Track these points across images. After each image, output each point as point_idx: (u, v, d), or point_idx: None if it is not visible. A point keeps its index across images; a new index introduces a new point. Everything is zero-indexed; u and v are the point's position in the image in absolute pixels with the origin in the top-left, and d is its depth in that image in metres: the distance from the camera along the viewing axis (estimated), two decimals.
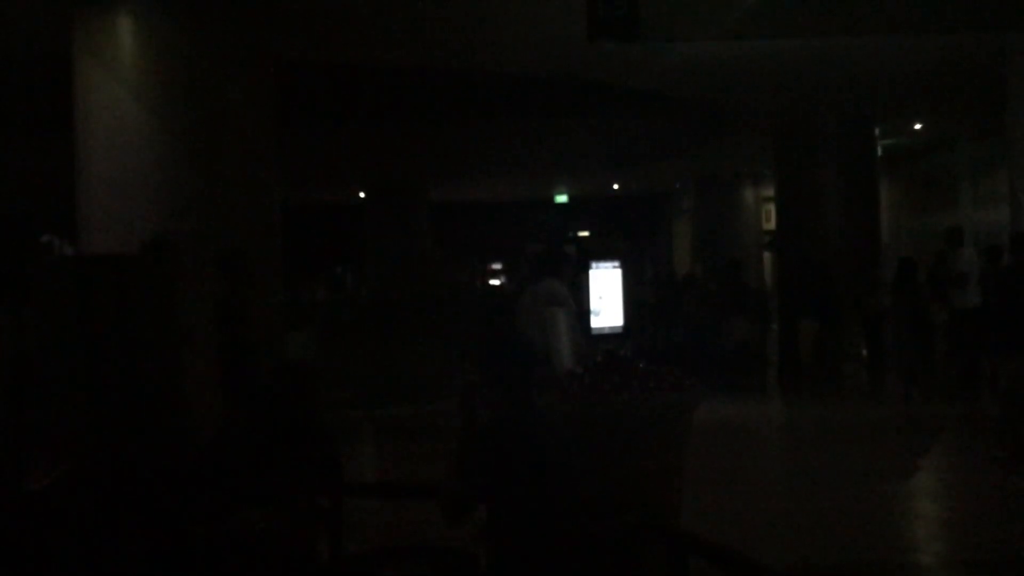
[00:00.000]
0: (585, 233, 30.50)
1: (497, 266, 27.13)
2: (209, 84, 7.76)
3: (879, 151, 15.35)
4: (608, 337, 13.81)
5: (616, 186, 25.04)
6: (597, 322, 14.86)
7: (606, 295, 14.57)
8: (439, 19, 9.24)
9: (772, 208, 18.62)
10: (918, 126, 15.98)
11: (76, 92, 7.90)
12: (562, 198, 26.35)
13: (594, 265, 16.09)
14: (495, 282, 26.20)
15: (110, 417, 4.85)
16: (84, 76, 7.84)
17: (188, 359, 5.83)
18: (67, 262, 7.17)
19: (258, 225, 8.00)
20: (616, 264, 15.63)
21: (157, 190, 7.58)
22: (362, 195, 21.56)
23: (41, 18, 8.14)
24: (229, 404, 6.37)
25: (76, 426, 4.89)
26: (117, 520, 3.86)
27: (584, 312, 14.72)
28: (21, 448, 5.46)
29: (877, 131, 14.76)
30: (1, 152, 14.99)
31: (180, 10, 7.73)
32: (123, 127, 7.66)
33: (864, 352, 12.66)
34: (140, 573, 3.83)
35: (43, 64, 9.26)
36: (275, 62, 8.47)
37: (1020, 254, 7.61)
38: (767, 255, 21.86)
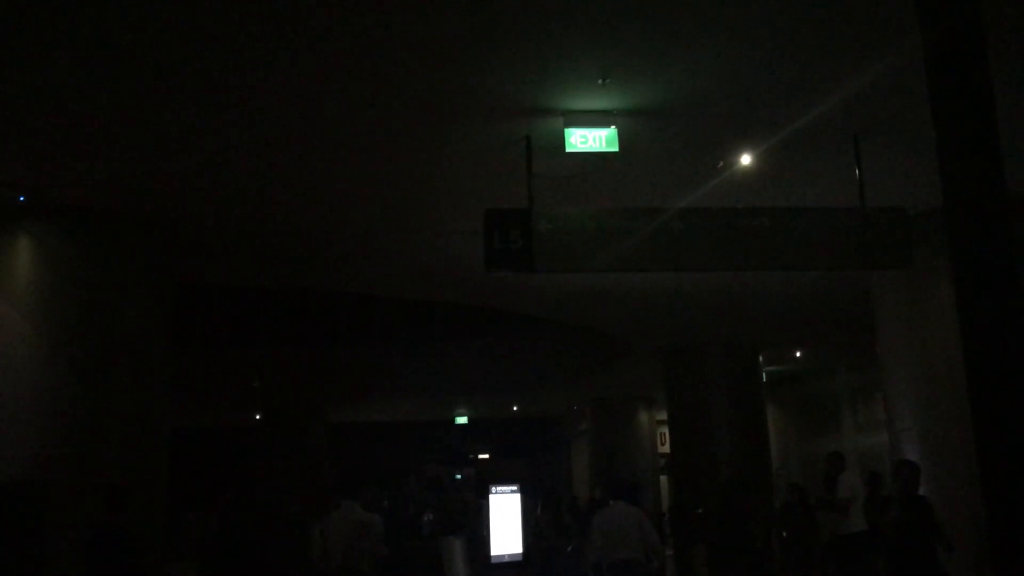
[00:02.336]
0: (485, 456, 30.27)
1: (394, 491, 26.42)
2: (104, 306, 7.71)
3: (764, 377, 15.97)
4: (507, 566, 13.43)
5: (515, 408, 25.21)
6: (496, 549, 14.50)
7: (505, 520, 14.30)
8: (340, 249, 9.51)
9: (667, 431, 18.93)
10: (799, 354, 16.79)
11: None
12: (462, 419, 26.30)
13: (493, 489, 15.89)
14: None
15: None
16: None
17: None
18: None
19: (144, 448, 7.75)
20: (515, 488, 15.44)
21: (40, 414, 7.32)
22: (258, 417, 21.13)
23: None
24: None
25: None
26: None
27: (483, 539, 14.38)
28: None
29: (761, 358, 15.43)
30: None
31: (79, 233, 7.78)
32: (10, 347, 7.48)
33: None
34: None
35: None
36: (172, 284, 8.51)
37: (903, 482, 7.70)
38: (663, 478, 21.99)
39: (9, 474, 6.92)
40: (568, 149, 6.36)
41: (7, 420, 7.28)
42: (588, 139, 6.34)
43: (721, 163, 7.30)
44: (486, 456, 30.29)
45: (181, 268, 8.82)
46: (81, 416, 7.39)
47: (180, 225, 8.27)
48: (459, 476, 27.57)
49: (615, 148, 6.39)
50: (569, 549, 11.49)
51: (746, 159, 7.21)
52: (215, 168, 7.25)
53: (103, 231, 7.84)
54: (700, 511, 13.39)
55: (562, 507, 12.35)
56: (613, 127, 6.35)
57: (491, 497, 15.50)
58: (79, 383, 7.46)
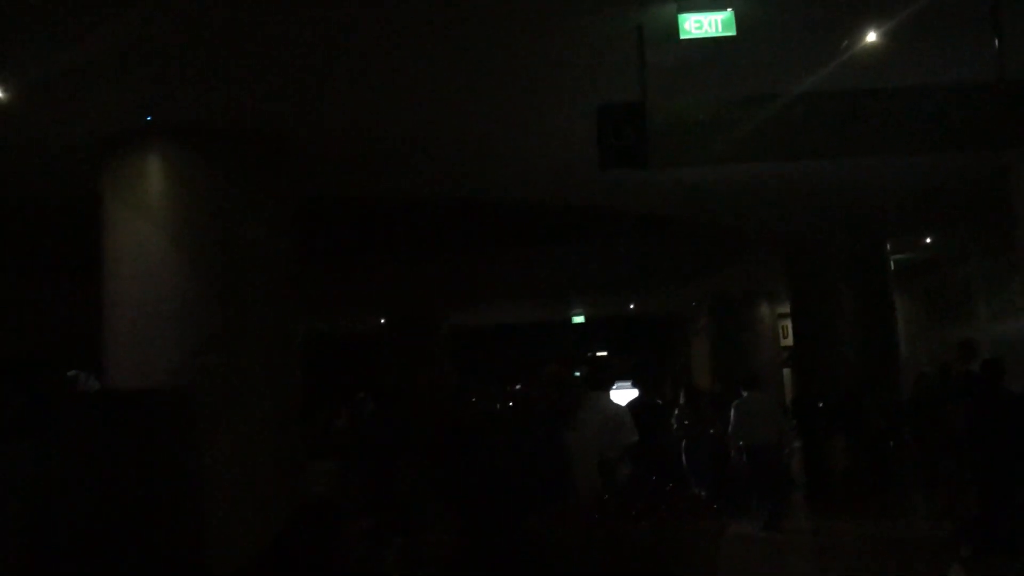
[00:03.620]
0: (603, 353, 30.50)
1: (518, 387, 27.02)
2: (233, 220, 7.99)
3: (892, 265, 15.42)
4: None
5: (632, 306, 25.19)
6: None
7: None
8: (456, 154, 9.54)
9: (789, 324, 18.63)
10: (929, 240, 16.11)
11: (104, 231, 8.13)
12: (579, 318, 26.48)
13: (614, 385, 16.07)
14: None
15: (129, 557, 4.82)
16: (112, 215, 8.10)
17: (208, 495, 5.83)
18: (91, 397, 7.24)
19: (279, 356, 8.09)
20: (630, 384, 15.57)
21: (182, 325, 7.71)
22: (382, 322, 21.81)
23: (71, 160, 8.46)
24: None
25: (98, 564, 4.85)
26: None
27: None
28: None
29: (889, 246, 14.88)
30: (32, 292, 15.36)
31: (206, 150, 8.02)
32: (149, 264, 7.85)
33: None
34: None
35: (74, 205, 9.56)
36: (298, 197, 8.72)
37: None
38: (786, 371, 21.73)
39: (156, 381, 7.34)
40: (682, 36, 6.13)
41: (152, 330, 7.71)
42: (703, 24, 6.09)
43: (846, 42, 6.91)
44: (604, 354, 30.52)
45: (306, 181, 9.01)
46: (219, 325, 7.76)
47: (303, 139, 8.42)
48: (577, 374, 27.87)
49: (732, 32, 6.12)
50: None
51: (872, 36, 6.80)
52: (333, 80, 7.32)
53: (230, 147, 8.06)
54: (821, 404, 13.27)
55: (702, 399, 12.98)
56: (730, 10, 6.07)
57: (611, 393, 15.66)
58: (216, 294, 7.81)
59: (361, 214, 13.48)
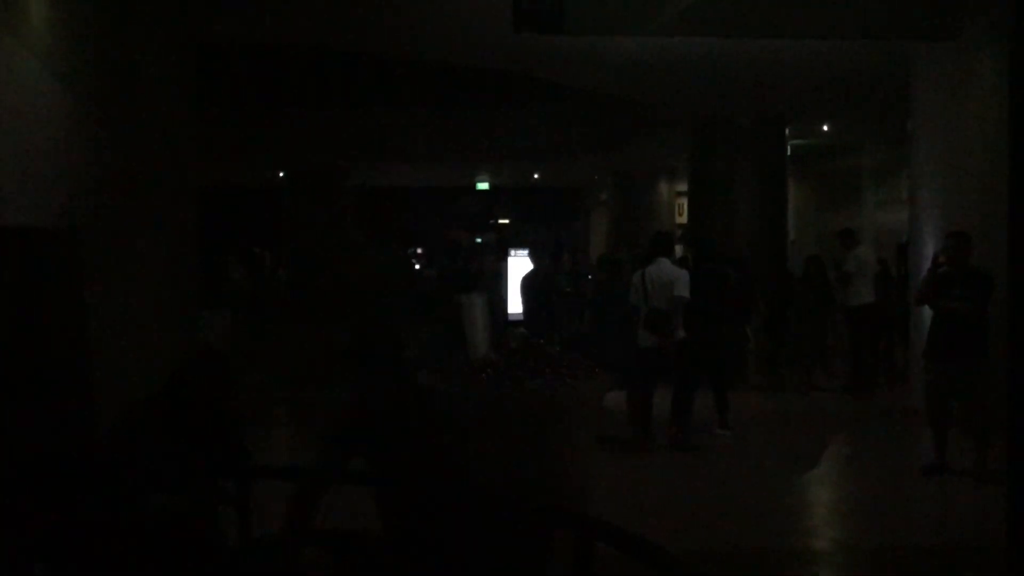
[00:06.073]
0: (505, 221, 30.70)
1: (418, 251, 27.06)
2: (124, 57, 7.58)
3: (789, 151, 15.77)
4: (522, 323, 13.94)
5: (536, 176, 25.23)
6: (513, 307, 15.00)
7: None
8: (364, 4, 9.19)
9: (685, 202, 19.02)
10: (826, 128, 16.49)
11: None
12: (483, 185, 26.44)
13: (512, 252, 16.28)
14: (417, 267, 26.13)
15: (13, 400, 4.75)
16: None
17: (95, 340, 5.75)
18: None
19: (172, 203, 7.88)
20: (526, 252, 15.81)
21: (68, 164, 7.38)
22: (281, 175, 21.28)
23: None
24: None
25: None
26: (18, 508, 3.79)
27: (501, 298, 14.90)
28: None
29: (788, 131, 15.18)
30: None
31: None
32: (33, 97, 7.42)
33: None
34: (42, 561, 3.77)
35: None
36: (196, 41, 8.33)
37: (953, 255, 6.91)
38: (678, 247, 22.26)
39: (41, 220, 7.07)
40: None
41: (30, 172, 7.35)
42: None
43: None
44: (506, 221, 30.73)
45: (207, 24, 8.56)
46: (109, 167, 7.46)
47: None
48: (479, 240, 28.06)
49: None
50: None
51: None
52: None
53: None
54: None
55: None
56: None
57: (510, 260, 15.90)
58: (105, 135, 7.47)
59: (264, 63, 12.98)
